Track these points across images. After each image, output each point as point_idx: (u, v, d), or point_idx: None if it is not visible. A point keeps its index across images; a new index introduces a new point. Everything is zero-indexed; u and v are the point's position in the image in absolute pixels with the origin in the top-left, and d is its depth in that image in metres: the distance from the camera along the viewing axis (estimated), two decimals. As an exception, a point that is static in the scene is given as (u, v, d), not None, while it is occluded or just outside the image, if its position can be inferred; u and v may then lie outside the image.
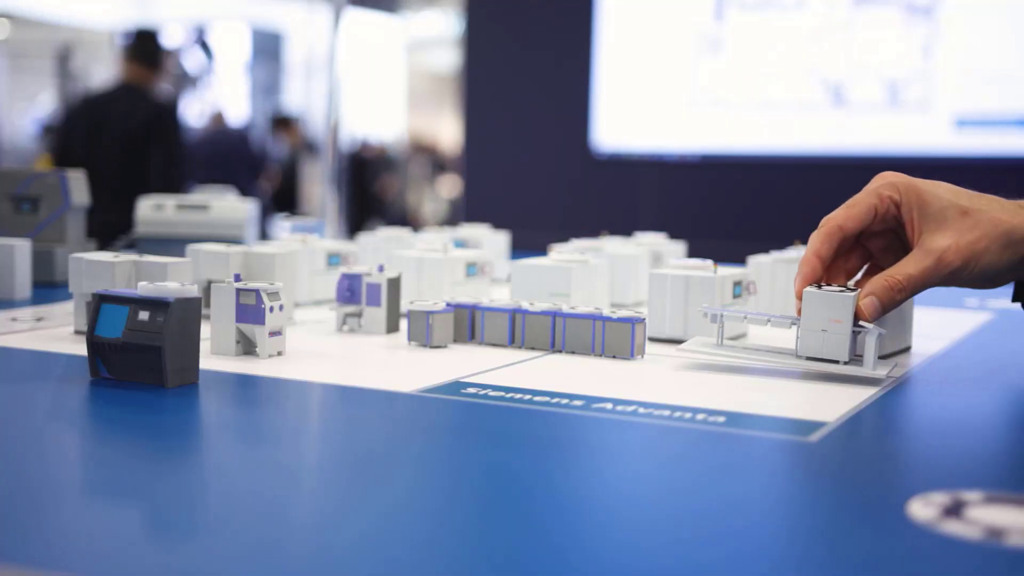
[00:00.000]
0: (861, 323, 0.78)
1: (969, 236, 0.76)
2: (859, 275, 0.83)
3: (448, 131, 10.15)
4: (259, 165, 6.12)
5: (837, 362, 0.78)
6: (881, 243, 0.82)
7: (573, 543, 0.45)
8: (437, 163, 9.41)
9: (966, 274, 0.76)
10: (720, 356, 0.81)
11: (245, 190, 5.03)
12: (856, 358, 0.79)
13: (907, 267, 0.76)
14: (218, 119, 6.52)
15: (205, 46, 7.07)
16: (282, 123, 7.37)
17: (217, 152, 5.81)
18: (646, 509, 0.50)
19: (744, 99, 2.73)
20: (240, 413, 0.69)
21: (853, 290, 0.78)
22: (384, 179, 7.88)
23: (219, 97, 7.39)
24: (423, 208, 8.50)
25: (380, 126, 10.03)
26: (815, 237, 0.79)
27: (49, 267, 1.26)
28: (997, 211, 0.76)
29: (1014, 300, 0.87)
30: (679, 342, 0.92)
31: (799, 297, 0.79)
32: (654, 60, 2.86)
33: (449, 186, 9.13)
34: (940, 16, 2.53)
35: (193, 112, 7.13)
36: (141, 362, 0.70)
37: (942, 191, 0.78)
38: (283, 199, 6.59)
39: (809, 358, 0.79)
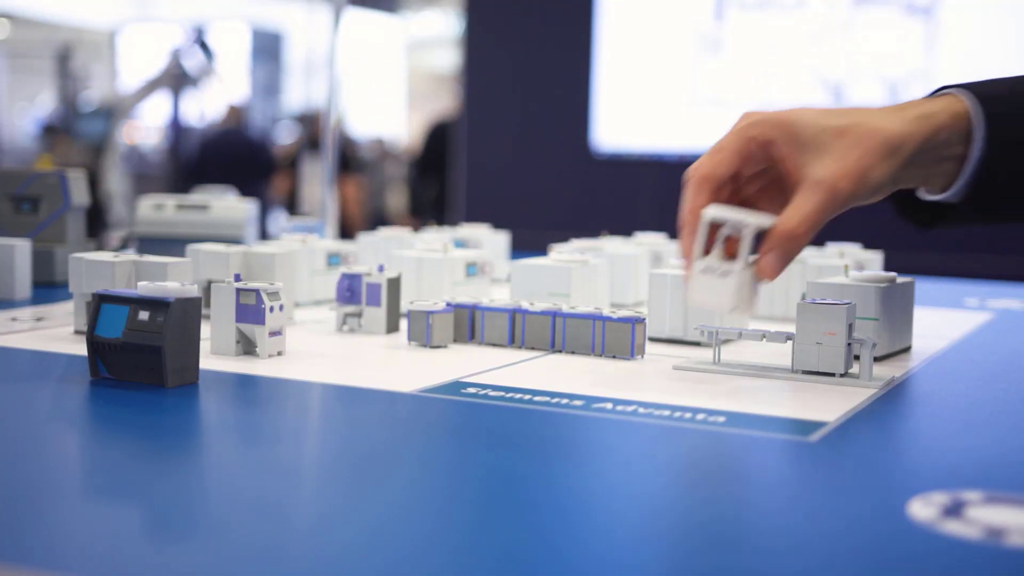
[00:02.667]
0: (855, 336, 0.78)
1: (852, 156, 0.71)
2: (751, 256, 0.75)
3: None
4: (270, 168, 6.07)
5: (833, 375, 0.77)
6: (754, 186, 0.77)
7: (573, 543, 0.45)
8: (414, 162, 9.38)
9: (858, 196, 0.72)
10: (716, 373, 0.81)
11: (257, 194, 5.01)
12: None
13: (801, 207, 0.71)
14: (234, 114, 6.39)
15: (205, 46, 7.06)
16: (301, 120, 7.36)
17: (228, 153, 5.74)
18: (646, 509, 0.50)
19: (744, 99, 2.73)
20: (240, 413, 0.69)
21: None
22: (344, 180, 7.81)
23: (218, 97, 7.37)
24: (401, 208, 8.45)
25: (379, 125, 10.02)
26: (687, 193, 0.74)
27: (49, 267, 1.26)
28: (872, 121, 0.72)
29: (899, 215, 0.83)
30: (679, 342, 0.92)
31: (688, 261, 0.73)
32: (654, 60, 2.86)
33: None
34: (940, 16, 2.53)
35: (193, 112, 7.13)
36: (141, 362, 0.70)
37: (811, 116, 0.73)
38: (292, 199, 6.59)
39: (805, 372, 0.79)
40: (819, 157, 0.71)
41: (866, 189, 0.72)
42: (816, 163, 0.71)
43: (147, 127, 7.79)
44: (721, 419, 0.65)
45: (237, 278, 0.82)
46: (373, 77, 10.74)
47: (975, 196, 0.76)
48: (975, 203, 0.77)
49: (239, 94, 8.41)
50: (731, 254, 0.73)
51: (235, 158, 5.69)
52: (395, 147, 8.89)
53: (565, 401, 0.69)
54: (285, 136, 6.98)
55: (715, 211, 0.73)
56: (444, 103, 6.44)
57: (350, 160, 6.07)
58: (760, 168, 0.75)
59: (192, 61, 6.60)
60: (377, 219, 7.12)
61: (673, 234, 1.40)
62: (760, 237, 0.73)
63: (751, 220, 0.72)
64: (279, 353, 0.83)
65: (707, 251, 0.73)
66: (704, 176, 0.74)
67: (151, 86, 6.66)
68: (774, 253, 0.71)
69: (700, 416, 0.66)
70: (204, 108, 7.18)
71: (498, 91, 3.14)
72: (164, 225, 1.46)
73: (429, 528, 0.46)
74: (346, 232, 5.26)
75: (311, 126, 7.13)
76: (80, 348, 0.80)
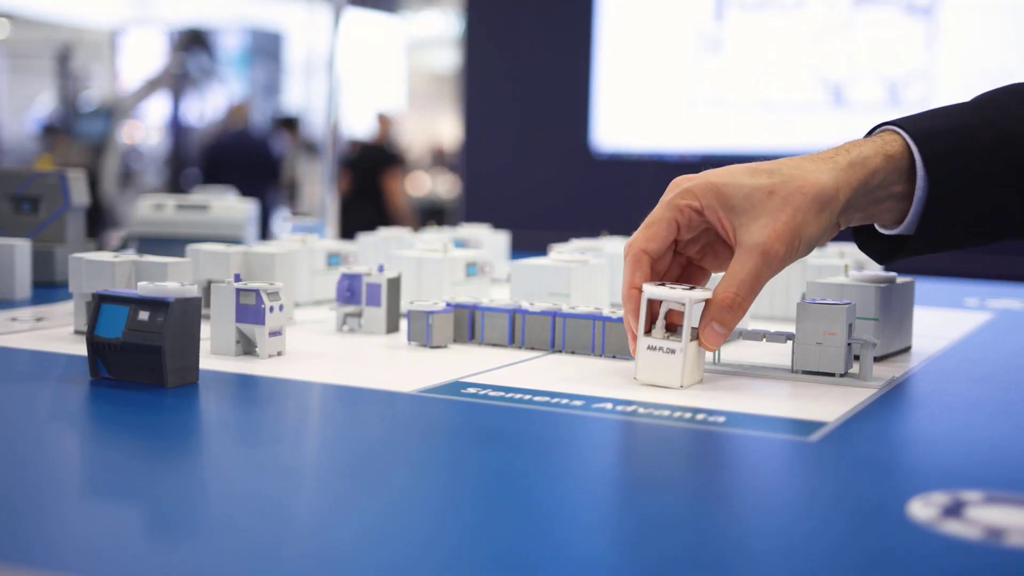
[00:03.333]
0: (855, 336, 0.78)
1: (783, 216, 0.71)
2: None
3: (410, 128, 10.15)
4: (277, 170, 6.03)
5: (833, 375, 0.77)
6: (696, 246, 0.78)
7: (573, 543, 0.44)
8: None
9: (794, 254, 0.73)
10: (716, 374, 0.81)
11: (264, 196, 4.98)
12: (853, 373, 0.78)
13: (736, 275, 0.72)
14: (238, 112, 6.30)
15: (205, 46, 7.06)
16: (285, 124, 7.36)
17: (234, 154, 5.69)
18: (646, 509, 0.50)
19: (744, 99, 2.73)
20: (240, 413, 0.69)
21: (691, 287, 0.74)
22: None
23: (220, 98, 7.38)
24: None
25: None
26: (625, 268, 0.75)
27: (49, 267, 1.26)
28: (799, 176, 0.72)
29: (860, 247, 0.84)
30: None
31: (633, 337, 0.75)
32: (654, 60, 2.86)
33: (417, 184, 9.11)
34: (940, 16, 2.53)
35: (194, 112, 7.13)
36: (141, 362, 0.70)
37: (740, 177, 0.73)
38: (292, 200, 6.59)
39: (805, 372, 0.79)
40: (751, 220, 0.72)
41: (802, 246, 0.73)
42: (749, 226, 0.72)
43: (147, 127, 7.79)
44: (721, 419, 0.65)
45: (237, 278, 0.82)
46: (373, 77, 10.74)
47: (926, 230, 0.78)
48: (927, 236, 0.78)
49: (240, 94, 8.41)
50: (673, 327, 0.75)
51: (247, 160, 5.65)
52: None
53: (565, 401, 0.69)
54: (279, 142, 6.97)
55: (651, 290, 0.74)
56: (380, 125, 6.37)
57: (391, 155, 6.04)
58: (698, 231, 0.76)
59: (191, 62, 6.59)
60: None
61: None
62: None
63: (688, 296, 0.73)
64: (279, 353, 0.83)
65: (648, 328, 0.75)
66: (640, 251, 0.75)
67: (151, 86, 6.66)
68: (714, 324, 0.73)
69: (700, 416, 0.66)
70: (203, 108, 7.18)
71: (498, 91, 3.14)
72: (164, 225, 1.46)
73: (429, 528, 0.46)
74: (395, 222, 5.23)
75: (294, 129, 7.12)
76: (80, 348, 0.80)
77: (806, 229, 0.72)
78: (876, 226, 0.81)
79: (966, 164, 0.76)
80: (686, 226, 0.75)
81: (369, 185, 5.63)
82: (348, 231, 1.59)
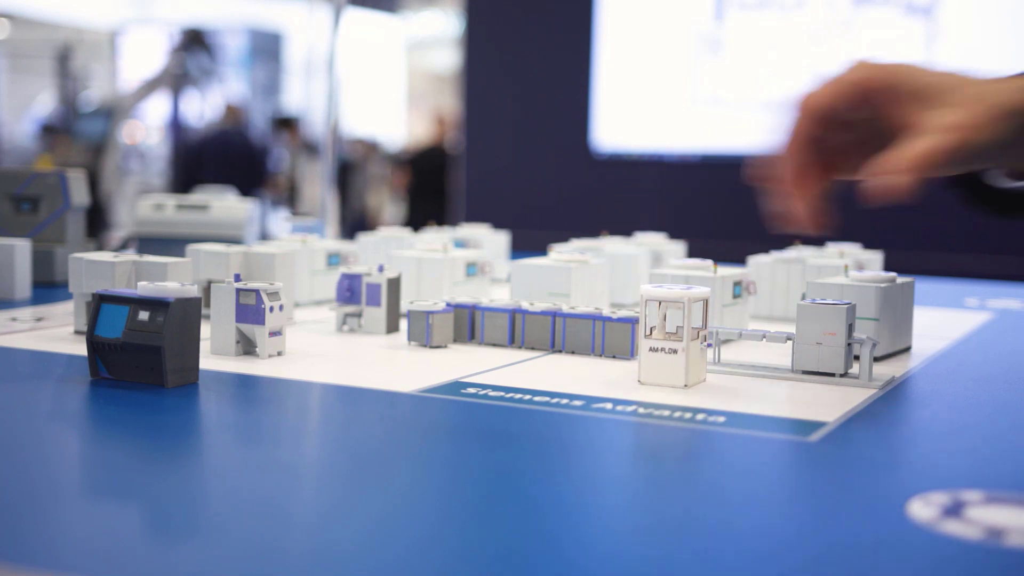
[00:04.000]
0: (855, 336, 0.78)
1: (973, 110, 0.68)
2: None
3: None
4: (263, 170, 6.07)
5: (833, 375, 0.77)
6: (848, 138, 0.73)
7: (573, 543, 0.45)
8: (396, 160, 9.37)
9: (979, 150, 0.67)
10: (716, 374, 0.81)
11: (249, 196, 4.99)
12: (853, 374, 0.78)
13: (925, 142, 0.66)
14: (232, 113, 6.37)
15: (205, 46, 7.06)
16: (284, 124, 7.36)
17: (225, 153, 5.74)
18: (646, 509, 0.50)
19: (744, 99, 2.73)
20: (240, 413, 0.69)
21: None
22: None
23: (219, 97, 7.37)
24: (383, 209, 8.43)
25: (378, 125, 10.02)
26: (798, 119, 0.71)
27: (49, 267, 1.26)
28: (983, 84, 0.69)
29: (970, 203, 0.80)
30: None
31: (787, 182, 0.70)
32: (654, 60, 2.86)
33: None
34: (940, 16, 2.53)
35: (193, 112, 7.13)
36: (141, 362, 0.70)
37: (924, 71, 0.70)
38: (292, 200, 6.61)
39: (805, 372, 0.79)
40: (936, 108, 0.68)
41: (982, 146, 0.68)
42: (934, 113, 0.68)
43: (148, 127, 7.79)
44: (721, 419, 0.65)
45: (237, 278, 0.82)
46: (373, 77, 10.74)
47: None
48: None
49: (240, 94, 8.41)
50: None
51: (232, 159, 5.69)
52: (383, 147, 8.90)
53: (565, 401, 0.69)
54: (278, 145, 6.97)
55: (652, 290, 0.74)
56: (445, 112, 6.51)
57: (450, 155, 6.15)
58: (858, 119, 0.72)
59: (190, 61, 6.59)
60: (360, 220, 7.14)
61: (673, 234, 1.40)
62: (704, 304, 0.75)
63: (688, 296, 0.73)
64: (279, 353, 0.83)
65: (650, 332, 0.75)
66: (816, 106, 0.70)
67: (150, 86, 6.66)
68: (900, 176, 0.66)
69: (700, 416, 0.66)
70: (203, 108, 7.18)
71: (498, 91, 3.14)
72: (164, 225, 1.46)
73: (429, 528, 0.46)
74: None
75: (294, 129, 7.12)
76: (80, 348, 0.80)
77: (990, 130, 0.68)
78: (997, 180, 0.76)
79: None
80: (862, 101, 0.70)
81: (431, 183, 5.90)
82: (415, 225, 1.63)
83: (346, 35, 2.67)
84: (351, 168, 7.67)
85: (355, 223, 6.98)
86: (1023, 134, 0.71)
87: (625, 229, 1.49)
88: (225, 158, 5.66)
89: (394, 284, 0.95)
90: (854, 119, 0.72)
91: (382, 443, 0.61)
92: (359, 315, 0.95)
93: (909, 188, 0.66)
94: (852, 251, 1.17)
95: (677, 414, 0.66)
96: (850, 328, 0.78)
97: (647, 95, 2.89)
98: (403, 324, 0.96)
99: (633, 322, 0.85)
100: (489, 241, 1.34)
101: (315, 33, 9.47)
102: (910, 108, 0.69)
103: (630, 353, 0.84)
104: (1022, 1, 2.53)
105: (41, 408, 0.68)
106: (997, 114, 0.68)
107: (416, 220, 2.24)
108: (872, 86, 0.70)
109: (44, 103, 8.52)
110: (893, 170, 0.66)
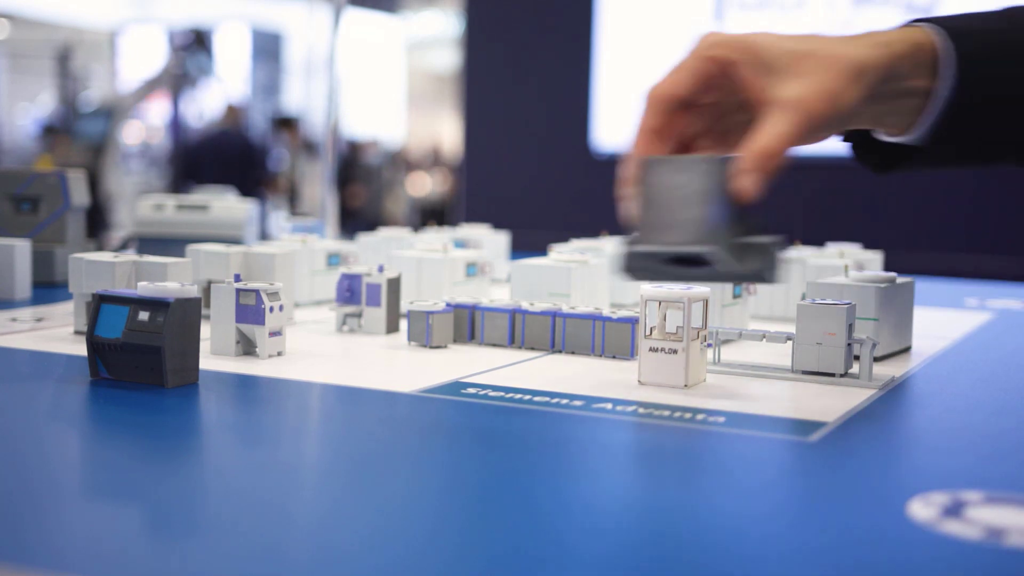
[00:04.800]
0: (855, 336, 0.78)
1: (822, 77, 0.67)
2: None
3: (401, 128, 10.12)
4: (262, 171, 6.07)
5: (833, 375, 0.77)
6: (711, 115, 0.73)
7: (573, 543, 0.44)
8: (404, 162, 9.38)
9: (832, 119, 0.67)
10: (716, 374, 0.81)
11: (247, 196, 5.00)
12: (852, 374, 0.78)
13: (776, 126, 0.66)
14: (233, 113, 6.37)
15: (205, 46, 7.06)
16: (284, 124, 7.36)
17: (223, 154, 5.75)
18: (646, 509, 0.50)
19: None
20: (240, 413, 0.69)
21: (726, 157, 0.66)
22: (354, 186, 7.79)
23: (218, 97, 7.37)
24: (394, 210, 8.44)
25: (380, 126, 10.03)
26: (644, 112, 0.69)
27: (49, 267, 1.26)
28: (834, 46, 0.68)
29: (856, 158, 0.79)
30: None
31: (633, 177, 0.67)
32: (654, 60, 2.86)
33: (417, 185, 9.12)
34: (940, 16, 2.53)
35: (193, 112, 7.13)
36: (141, 362, 0.70)
37: (773, 39, 0.68)
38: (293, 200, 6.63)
39: (805, 372, 0.79)
40: (786, 79, 0.67)
41: (838, 113, 0.68)
42: (784, 84, 0.67)
43: (148, 127, 7.79)
44: (721, 419, 0.65)
45: (237, 278, 0.82)
46: (373, 77, 10.74)
47: (941, 136, 0.72)
48: (941, 144, 0.73)
49: (239, 94, 8.41)
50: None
51: (230, 160, 5.70)
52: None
53: (565, 401, 0.69)
54: (279, 146, 6.97)
55: (651, 291, 0.74)
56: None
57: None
58: (718, 95, 0.71)
59: (190, 61, 6.59)
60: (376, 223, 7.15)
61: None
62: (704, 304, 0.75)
63: (687, 295, 0.73)
64: (279, 353, 0.83)
65: (650, 332, 0.75)
66: (661, 95, 0.69)
67: (149, 86, 6.66)
68: (751, 174, 0.66)
69: (700, 416, 0.66)
70: (202, 108, 7.17)
71: (498, 91, 3.14)
72: (164, 225, 1.46)
73: (429, 528, 0.46)
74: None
75: (294, 130, 7.13)
76: (80, 348, 0.80)
77: (843, 96, 0.67)
78: (880, 135, 0.76)
79: (999, 67, 0.71)
80: (710, 81, 0.69)
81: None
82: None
83: (346, 35, 2.67)
84: (364, 170, 7.68)
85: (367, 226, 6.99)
86: (880, 93, 0.70)
87: (625, 229, 1.49)
88: (223, 159, 5.67)
89: (394, 284, 0.95)
90: (712, 99, 0.71)
91: (382, 443, 0.61)
92: (359, 315, 0.95)
93: (766, 180, 0.65)
94: (852, 251, 1.17)
95: (677, 414, 0.66)
96: (850, 328, 0.78)
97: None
98: (403, 324, 0.96)
99: (633, 322, 0.85)
100: (489, 241, 1.34)
101: (315, 33, 9.47)
102: (762, 80, 0.68)
103: (630, 353, 0.84)
104: (1021, 2, 2.53)
105: (41, 408, 0.68)
106: (850, 76, 0.67)
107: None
108: (723, 60, 0.69)
109: (44, 103, 8.52)
110: (756, 165, 0.65)
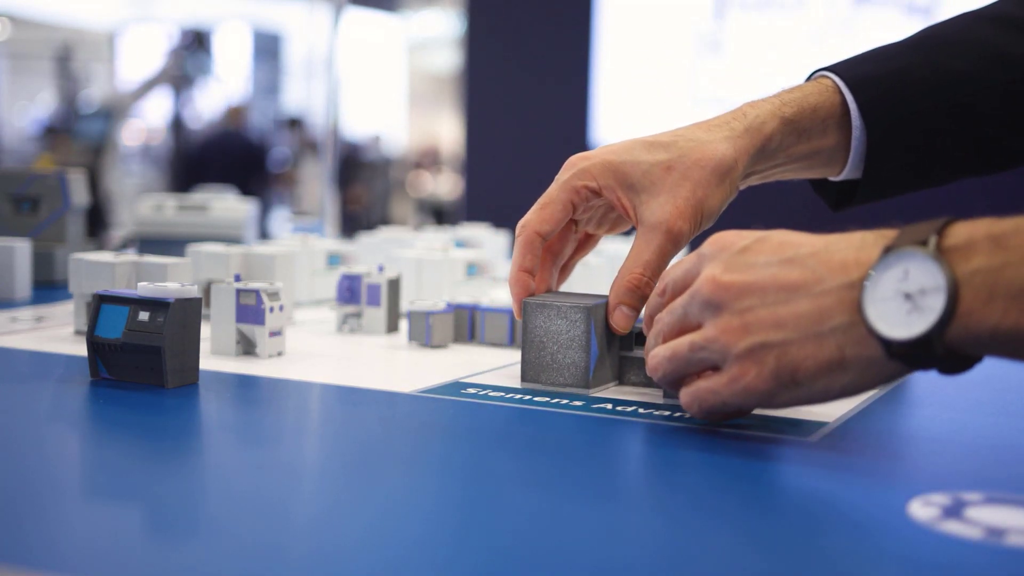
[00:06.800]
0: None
1: (684, 192, 0.70)
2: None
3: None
4: (264, 171, 6.08)
5: None
6: (592, 222, 0.78)
7: (573, 544, 0.44)
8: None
9: (697, 228, 0.72)
10: None
11: (251, 196, 5.01)
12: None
13: (641, 255, 0.71)
14: (235, 114, 6.37)
15: (203, 46, 7.06)
16: (291, 124, 7.38)
17: (225, 155, 5.75)
18: (646, 509, 0.50)
19: (744, 99, 2.73)
20: (240, 413, 0.69)
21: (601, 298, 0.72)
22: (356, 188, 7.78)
23: (217, 97, 7.38)
24: (398, 210, 8.44)
25: (381, 126, 10.03)
26: (516, 249, 0.74)
27: (49, 267, 1.26)
28: (697, 148, 0.72)
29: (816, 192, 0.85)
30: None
31: (519, 316, 0.73)
32: (654, 60, 2.86)
33: (424, 183, 9.11)
34: (940, 16, 2.53)
35: (192, 112, 7.13)
36: (141, 362, 0.70)
37: (637, 154, 0.72)
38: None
39: None
40: (651, 197, 0.71)
41: (704, 220, 0.72)
42: (649, 204, 0.71)
43: (148, 127, 7.79)
44: (721, 419, 0.65)
45: (237, 278, 0.82)
46: (373, 77, 10.74)
47: (872, 176, 0.78)
48: (874, 183, 0.78)
49: (240, 94, 8.41)
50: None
51: (233, 161, 5.70)
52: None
53: (565, 401, 0.69)
54: (283, 144, 6.98)
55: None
56: None
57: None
58: (594, 209, 0.76)
59: (190, 61, 6.59)
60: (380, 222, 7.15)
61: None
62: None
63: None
64: (279, 353, 0.83)
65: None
66: (533, 234, 0.73)
67: (148, 86, 6.66)
68: (623, 308, 0.71)
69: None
70: (202, 108, 7.17)
71: (498, 91, 3.14)
72: (164, 225, 1.46)
73: (428, 528, 0.46)
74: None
75: (302, 131, 7.14)
76: (80, 348, 0.80)
77: (707, 202, 0.71)
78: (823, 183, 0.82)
79: (902, 107, 0.76)
80: (582, 206, 0.73)
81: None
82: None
83: (346, 35, 2.66)
84: (367, 169, 7.67)
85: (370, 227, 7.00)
86: (778, 162, 0.76)
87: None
88: (228, 160, 5.68)
89: (394, 284, 0.95)
90: (590, 214, 0.77)
91: (382, 443, 0.61)
92: (359, 315, 0.95)
93: (636, 312, 0.71)
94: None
95: (677, 414, 0.66)
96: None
97: (647, 95, 2.89)
98: (403, 324, 0.96)
99: (633, 322, 0.85)
100: (489, 241, 1.34)
101: (315, 33, 9.47)
102: (630, 201, 0.72)
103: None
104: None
105: (41, 408, 0.68)
106: (712, 181, 0.71)
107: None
108: (590, 189, 0.73)
109: (44, 103, 8.52)
110: (625, 299, 0.71)
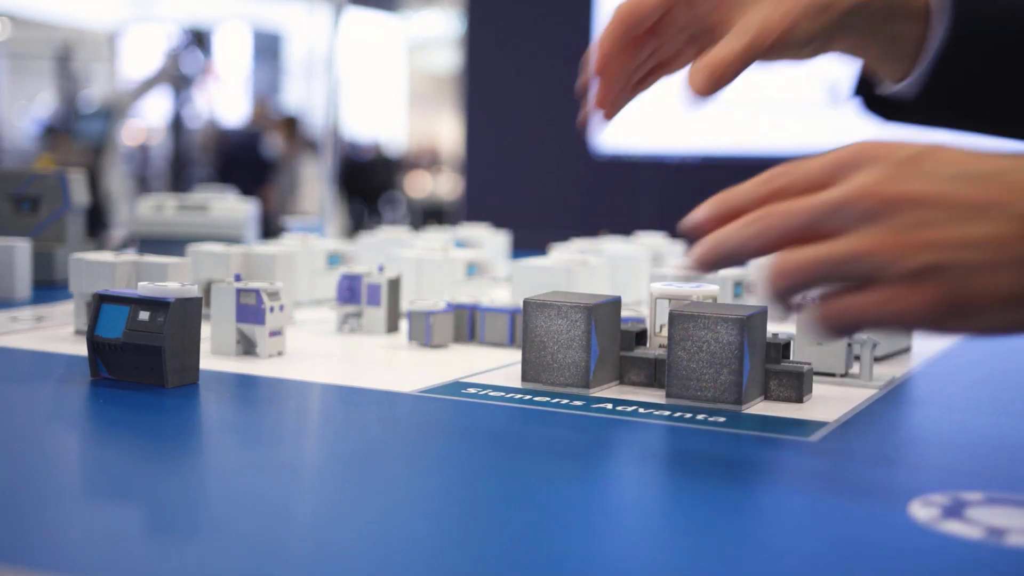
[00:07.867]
0: (856, 336, 0.78)
1: (782, 8, 0.69)
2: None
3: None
4: (264, 171, 6.09)
5: (834, 375, 0.77)
6: (674, 40, 0.76)
7: (573, 544, 0.44)
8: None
9: (785, 45, 0.70)
10: None
11: (268, 196, 5.03)
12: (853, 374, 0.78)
13: (730, 44, 0.69)
14: (260, 108, 6.42)
15: (203, 47, 7.07)
16: (285, 123, 7.37)
17: (244, 155, 5.78)
18: (646, 509, 0.50)
19: (744, 99, 2.73)
20: (240, 413, 0.69)
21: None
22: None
23: (218, 97, 7.38)
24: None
25: (380, 126, 10.03)
26: (609, 28, 0.72)
27: (49, 267, 1.26)
28: None
29: (866, 107, 0.81)
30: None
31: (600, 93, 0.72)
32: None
33: (421, 184, 9.11)
34: (940, 16, 2.52)
35: (191, 112, 7.13)
36: (141, 362, 0.70)
37: None
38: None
39: None
40: (749, 9, 0.70)
41: (792, 39, 0.69)
42: (746, 14, 0.70)
43: (147, 127, 7.79)
44: (721, 419, 0.65)
45: (237, 278, 0.82)
46: (373, 77, 10.74)
47: (935, 88, 0.72)
48: (934, 96, 0.73)
49: (239, 92, 8.41)
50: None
51: (253, 160, 5.74)
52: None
53: (565, 401, 0.69)
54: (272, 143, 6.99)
55: (661, 288, 0.75)
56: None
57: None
58: (680, 26, 0.74)
59: (189, 61, 6.60)
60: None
61: (674, 234, 1.40)
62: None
63: (696, 293, 0.74)
64: (279, 353, 0.83)
65: (659, 329, 0.76)
66: (628, 13, 0.71)
67: (147, 85, 6.67)
68: (703, 72, 0.69)
69: (700, 416, 0.66)
70: (200, 108, 7.17)
71: (499, 91, 3.14)
72: (164, 225, 1.46)
73: (429, 528, 0.46)
74: None
75: (293, 129, 7.14)
76: (80, 348, 0.80)
77: (800, 25, 0.69)
78: (884, 85, 0.77)
79: (994, 14, 0.71)
80: (677, 6, 0.72)
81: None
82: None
83: (346, 35, 2.66)
84: (362, 169, 7.66)
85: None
86: (861, 32, 0.72)
87: (625, 229, 1.49)
88: (258, 161, 5.71)
89: (394, 284, 0.95)
90: (676, 21, 0.74)
91: (382, 443, 0.61)
92: (359, 315, 0.95)
93: (713, 88, 0.69)
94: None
95: (677, 414, 0.66)
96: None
97: (647, 95, 2.89)
98: (403, 324, 0.96)
99: (633, 322, 0.84)
100: (489, 241, 1.34)
101: (315, 33, 9.47)
102: (725, 11, 0.71)
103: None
104: None
105: (41, 408, 0.68)
106: (812, 11, 0.69)
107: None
108: None
109: (44, 103, 8.52)
110: (709, 68, 0.69)
